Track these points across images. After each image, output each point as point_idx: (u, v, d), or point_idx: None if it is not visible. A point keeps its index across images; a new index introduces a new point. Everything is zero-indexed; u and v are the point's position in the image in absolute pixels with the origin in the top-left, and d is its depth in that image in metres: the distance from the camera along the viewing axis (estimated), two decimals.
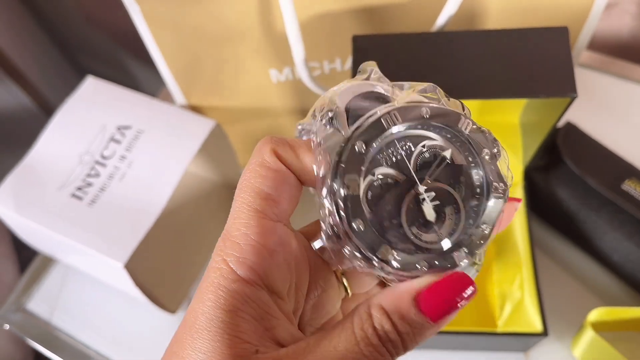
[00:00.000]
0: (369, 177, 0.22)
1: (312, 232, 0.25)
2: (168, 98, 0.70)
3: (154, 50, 0.50)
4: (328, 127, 0.23)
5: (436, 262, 0.22)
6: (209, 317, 0.20)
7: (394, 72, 0.41)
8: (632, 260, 0.51)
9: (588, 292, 0.55)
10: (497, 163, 0.23)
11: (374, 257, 0.21)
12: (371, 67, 0.25)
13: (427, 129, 0.23)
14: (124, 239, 0.48)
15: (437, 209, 0.23)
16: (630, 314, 0.49)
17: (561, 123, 0.57)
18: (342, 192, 0.21)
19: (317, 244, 0.23)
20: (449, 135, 0.23)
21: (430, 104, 0.23)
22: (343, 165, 0.22)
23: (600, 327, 0.49)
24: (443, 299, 0.20)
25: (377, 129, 0.22)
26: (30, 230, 0.53)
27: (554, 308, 0.54)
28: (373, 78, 0.25)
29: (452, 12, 0.44)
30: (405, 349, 0.20)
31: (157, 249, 0.58)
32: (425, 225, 0.23)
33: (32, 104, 1.00)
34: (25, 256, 0.85)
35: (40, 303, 0.61)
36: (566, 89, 0.39)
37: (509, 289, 0.49)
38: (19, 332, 0.60)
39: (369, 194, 0.22)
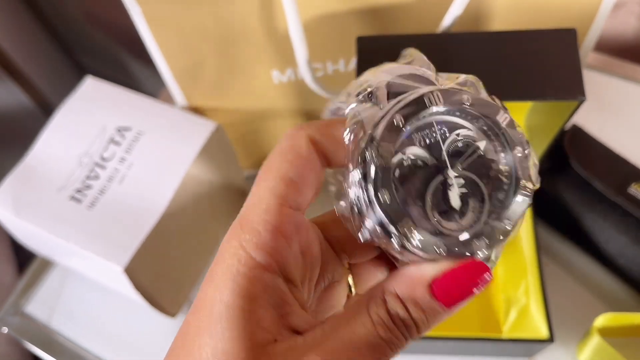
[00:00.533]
0: (400, 155, 0.22)
1: (324, 222, 0.24)
2: (168, 98, 0.69)
3: (155, 52, 0.49)
4: (365, 103, 0.23)
5: (455, 248, 0.21)
6: (228, 305, 0.19)
7: None
8: (639, 265, 0.51)
9: (594, 297, 0.54)
10: (529, 163, 0.23)
11: (395, 230, 0.21)
12: (414, 52, 0.25)
13: (465, 117, 0.23)
14: (124, 243, 0.47)
15: (462, 197, 0.23)
16: (637, 320, 0.48)
17: (567, 125, 0.56)
18: (375, 161, 0.21)
19: (340, 207, 0.23)
20: (485, 128, 0.23)
21: (472, 94, 0.23)
22: (379, 136, 0.21)
23: (606, 333, 0.48)
24: (458, 287, 0.20)
25: (417, 105, 0.22)
26: (28, 233, 0.52)
27: (560, 313, 0.53)
28: (416, 63, 0.25)
29: (457, 13, 0.43)
30: (419, 332, 0.20)
31: (157, 252, 0.57)
32: (448, 213, 0.22)
33: (32, 103, 1.00)
34: (23, 257, 0.85)
35: (38, 306, 0.60)
36: (575, 92, 0.38)
37: (515, 295, 0.48)
38: (17, 336, 0.59)
39: (397, 171, 0.22)
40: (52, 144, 0.53)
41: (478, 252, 0.22)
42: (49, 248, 0.54)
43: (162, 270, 0.58)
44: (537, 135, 0.51)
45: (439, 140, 0.23)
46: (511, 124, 0.23)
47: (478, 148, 0.23)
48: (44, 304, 0.61)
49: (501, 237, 0.22)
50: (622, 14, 0.74)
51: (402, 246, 0.21)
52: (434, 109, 0.22)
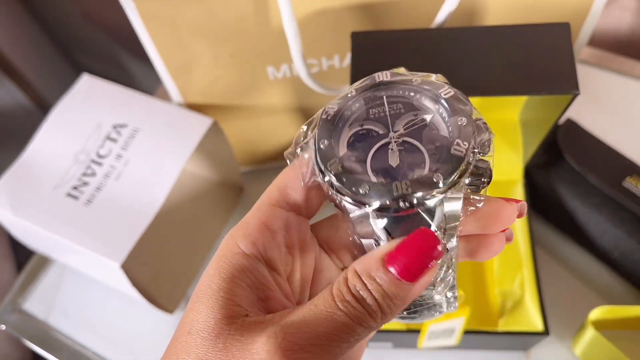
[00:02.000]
0: (357, 127, 0.25)
1: (314, 225, 0.27)
2: (165, 96, 0.69)
3: (151, 48, 0.49)
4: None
5: (380, 193, 0.22)
6: (209, 285, 0.22)
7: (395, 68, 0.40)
8: (634, 258, 0.51)
9: (589, 291, 0.55)
10: (472, 129, 0.24)
11: (324, 167, 0.23)
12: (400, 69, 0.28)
13: (415, 95, 0.26)
14: (121, 239, 0.48)
15: (402, 158, 0.24)
16: (631, 313, 0.48)
17: (561, 120, 0.56)
18: (320, 116, 0.25)
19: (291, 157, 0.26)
20: (432, 104, 0.26)
21: (422, 79, 0.26)
22: (331, 103, 0.26)
23: (601, 326, 0.49)
24: (409, 257, 0.21)
25: (368, 80, 0.26)
26: (26, 231, 0.52)
27: (555, 306, 0.53)
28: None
29: (451, 9, 0.43)
30: (381, 307, 0.21)
31: (154, 249, 0.57)
32: (391, 177, 0.24)
33: (29, 102, 1.00)
34: (22, 255, 0.85)
35: (36, 303, 0.61)
36: (568, 86, 0.38)
37: (510, 288, 0.48)
38: (15, 333, 0.59)
39: (352, 139, 0.25)
40: (49, 142, 0.53)
41: (400, 199, 0.22)
42: (46, 245, 0.54)
43: (159, 267, 0.58)
44: (531, 130, 0.51)
45: (387, 114, 0.26)
46: (455, 97, 0.25)
47: (425, 119, 0.25)
48: (41, 301, 0.61)
49: (427, 190, 0.22)
50: (616, 10, 0.74)
51: (332, 185, 0.23)
52: (386, 89, 0.26)
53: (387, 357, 0.54)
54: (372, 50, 0.42)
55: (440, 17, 0.44)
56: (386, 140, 0.25)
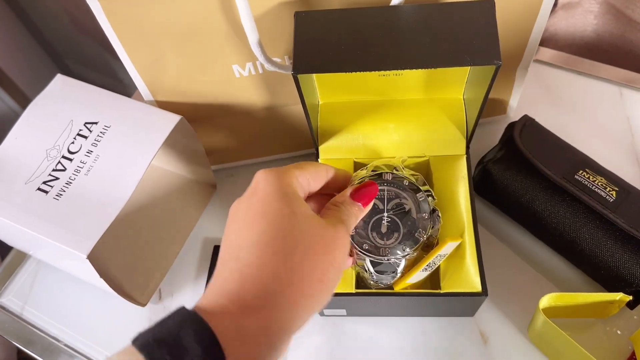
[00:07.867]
0: (370, 203, 0.42)
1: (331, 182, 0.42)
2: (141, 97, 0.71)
3: (118, 48, 0.51)
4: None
5: (374, 249, 0.48)
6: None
7: (336, 46, 0.43)
8: (586, 248, 0.52)
9: (545, 280, 0.56)
10: (427, 223, 0.49)
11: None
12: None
13: (404, 190, 0.50)
14: (88, 231, 0.49)
15: (389, 228, 0.49)
16: (580, 299, 0.50)
17: (518, 116, 0.58)
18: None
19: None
20: (413, 198, 0.50)
21: (410, 180, 0.51)
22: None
23: (553, 314, 0.50)
24: (364, 195, 0.41)
25: (378, 178, 0.51)
26: None
27: (512, 295, 0.55)
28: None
29: None
30: (347, 210, 0.39)
31: (124, 242, 0.59)
32: (382, 235, 0.49)
33: (22, 111, 1.02)
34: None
35: (12, 298, 0.62)
36: (491, 57, 0.41)
37: (452, 255, 0.51)
38: None
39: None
40: (21, 139, 0.55)
41: (390, 256, 0.48)
42: (18, 239, 0.56)
43: (129, 260, 0.59)
44: (471, 108, 0.53)
45: (384, 198, 0.50)
46: (425, 199, 0.49)
47: (404, 207, 0.50)
48: (16, 296, 0.62)
49: (399, 253, 0.48)
50: (580, 13, 0.77)
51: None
52: (386, 184, 0.51)
53: (342, 325, 0.56)
54: (315, 29, 0.44)
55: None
56: (381, 215, 0.49)
